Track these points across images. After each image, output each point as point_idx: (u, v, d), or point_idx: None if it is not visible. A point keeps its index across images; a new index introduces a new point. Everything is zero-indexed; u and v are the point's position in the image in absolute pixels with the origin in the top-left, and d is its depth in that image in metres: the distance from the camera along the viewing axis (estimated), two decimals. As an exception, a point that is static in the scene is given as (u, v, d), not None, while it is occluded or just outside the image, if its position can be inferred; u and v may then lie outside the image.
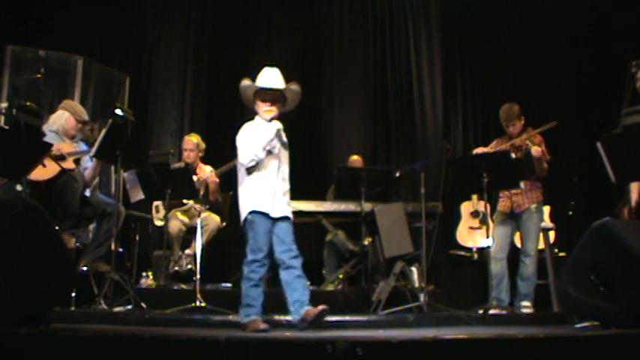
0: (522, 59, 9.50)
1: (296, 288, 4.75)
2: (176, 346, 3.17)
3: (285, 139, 4.98)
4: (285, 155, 5.04)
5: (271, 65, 5.08)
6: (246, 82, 5.00)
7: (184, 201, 7.46)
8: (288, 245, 4.83)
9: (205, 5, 10.02)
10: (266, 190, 4.85)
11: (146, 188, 6.70)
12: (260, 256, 4.77)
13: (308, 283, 4.94)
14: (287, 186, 5.02)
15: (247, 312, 4.72)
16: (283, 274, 4.83)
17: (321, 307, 4.60)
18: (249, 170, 4.87)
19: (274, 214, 4.84)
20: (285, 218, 4.91)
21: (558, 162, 6.80)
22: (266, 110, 4.96)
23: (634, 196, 5.62)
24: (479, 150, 6.88)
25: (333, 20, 10.25)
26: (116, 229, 6.34)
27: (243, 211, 4.89)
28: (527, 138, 6.52)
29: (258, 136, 4.87)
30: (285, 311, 4.93)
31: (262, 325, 4.61)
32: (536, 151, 6.39)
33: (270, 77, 4.99)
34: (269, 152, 4.89)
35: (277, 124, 4.93)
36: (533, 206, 6.63)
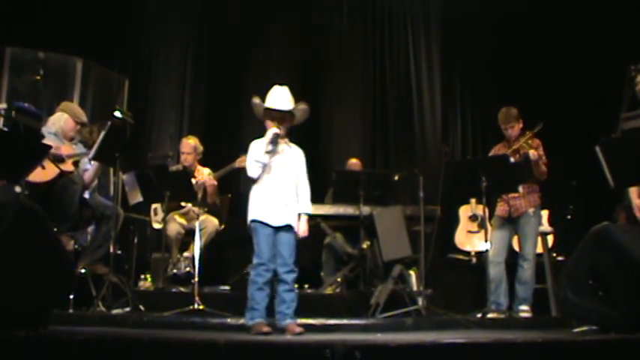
0: (521, 64, 9.50)
1: (284, 300, 5.00)
2: (175, 349, 3.18)
3: (278, 146, 5.12)
4: (283, 164, 5.16)
5: (280, 83, 5.27)
6: (255, 101, 5.19)
7: (183, 203, 7.45)
8: (285, 259, 5.00)
9: (205, 8, 10.01)
10: (264, 199, 5.06)
11: (145, 191, 6.70)
12: (265, 260, 4.96)
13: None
14: (290, 195, 5.13)
15: (251, 315, 4.95)
16: (277, 285, 5.05)
17: (298, 330, 4.82)
18: (257, 179, 5.09)
19: (274, 223, 5.02)
20: (286, 228, 5.05)
21: (557, 166, 6.80)
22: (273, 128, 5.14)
23: (635, 201, 5.62)
24: None
25: (332, 25, 10.25)
26: (115, 231, 6.33)
27: (248, 218, 5.11)
28: (525, 141, 6.53)
29: (262, 147, 5.07)
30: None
31: (265, 329, 4.81)
32: (532, 154, 6.40)
33: (278, 97, 5.17)
34: (272, 157, 5.08)
35: (274, 129, 5.08)
36: (531, 210, 6.64)
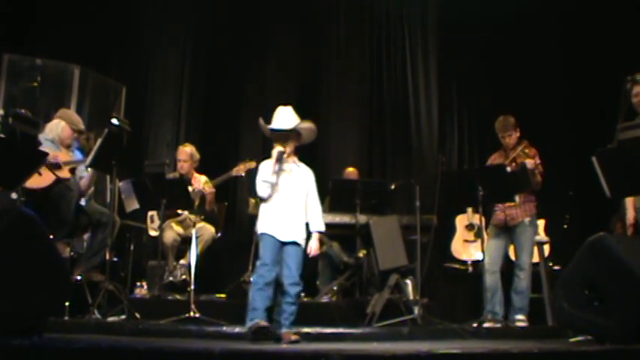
0: (518, 74, 9.50)
1: (284, 311, 5.05)
2: (171, 357, 3.17)
3: (284, 165, 5.21)
4: (291, 182, 5.24)
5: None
6: (260, 122, 5.37)
7: (179, 211, 7.44)
8: (292, 271, 5.08)
9: (203, 18, 10.03)
10: (272, 216, 5.15)
11: (141, 198, 6.70)
12: (267, 261, 5.03)
13: (300, 298, 5.23)
14: (298, 212, 5.21)
15: (251, 316, 4.97)
16: (280, 296, 5.11)
17: (294, 338, 4.92)
18: (267, 198, 5.18)
19: (281, 239, 5.11)
20: (292, 242, 5.13)
21: (553, 176, 6.80)
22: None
23: (630, 212, 5.62)
24: None
25: (330, 34, 10.26)
26: (111, 238, 6.33)
27: (257, 230, 5.25)
28: (522, 150, 6.55)
29: (270, 167, 5.19)
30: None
31: (262, 323, 4.88)
32: (529, 163, 6.41)
33: (281, 118, 5.30)
34: (280, 176, 5.18)
35: (279, 148, 5.20)
36: (527, 219, 6.64)
